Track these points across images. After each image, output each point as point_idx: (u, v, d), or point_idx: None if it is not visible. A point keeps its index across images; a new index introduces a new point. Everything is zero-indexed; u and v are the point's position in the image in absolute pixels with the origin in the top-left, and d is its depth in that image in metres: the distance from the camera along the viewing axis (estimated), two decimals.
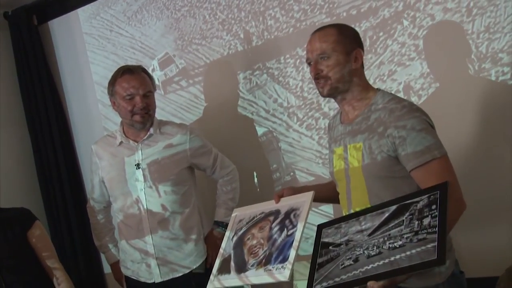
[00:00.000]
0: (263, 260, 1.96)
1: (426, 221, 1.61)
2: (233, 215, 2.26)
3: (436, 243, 1.55)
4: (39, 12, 4.03)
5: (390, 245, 1.64)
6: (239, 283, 2.04)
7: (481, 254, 2.45)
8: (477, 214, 2.47)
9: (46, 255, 2.71)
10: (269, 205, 2.14)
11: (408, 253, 1.59)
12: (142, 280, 2.74)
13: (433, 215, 1.61)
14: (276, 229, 2.01)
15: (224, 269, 2.09)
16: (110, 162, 2.77)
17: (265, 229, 2.05)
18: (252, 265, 1.98)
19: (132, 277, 2.78)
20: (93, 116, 3.94)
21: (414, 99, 2.67)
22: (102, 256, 3.86)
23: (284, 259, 1.89)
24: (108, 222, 2.98)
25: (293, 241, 1.91)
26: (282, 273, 1.87)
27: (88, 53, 3.90)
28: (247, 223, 2.15)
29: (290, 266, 1.86)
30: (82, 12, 3.89)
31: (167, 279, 2.70)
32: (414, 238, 1.60)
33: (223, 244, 2.18)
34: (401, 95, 2.65)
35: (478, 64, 2.57)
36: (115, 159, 2.76)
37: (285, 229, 1.97)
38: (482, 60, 2.56)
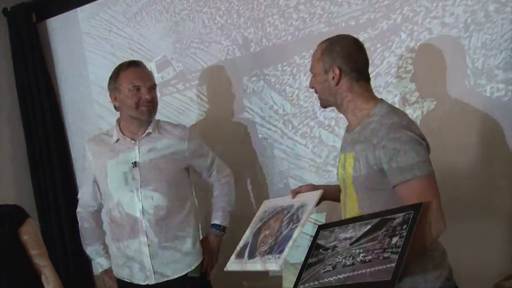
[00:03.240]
0: (268, 250, 2.03)
1: (394, 240, 1.61)
2: (262, 204, 2.34)
3: (394, 264, 1.55)
4: (39, 9, 4.03)
5: (362, 258, 1.66)
6: (238, 268, 2.13)
7: (469, 269, 2.45)
8: (465, 229, 2.49)
9: (36, 253, 2.69)
10: (289, 200, 2.21)
11: (372, 269, 1.60)
12: (136, 282, 2.68)
13: (401, 234, 1.60)
14: (285, 222, 2.08)
15: (240, 254, 2.16)
16: (105, 160, 2.69)
17: (278, 221, 2.12)
18: (260, 253, 2.05)
19: (125, 280, 2.72)
20: (88, 116, 3.93)
21: (409, 112, 2.68)
22: None
23: (282, 251, 1.96)
24: (98, 227, 2.86)
25: (292, 235, 1.97)
26: (275, 263, 1.94)
27: (86, 52, 3.90)
28: (269, 214, 2.23)
29: (281, 260, 1.92)
30: (81, 12, 3.90)
31: (161, 281, 2.65)
32: (381, 255, 1.61)
33: (244, 236, 2.23)
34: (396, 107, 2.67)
35: (474, 80, 2.58)
36: (111, 157, 2.67)
37: (291, 223, 2.05)
38: (477, 76, 2.57)
